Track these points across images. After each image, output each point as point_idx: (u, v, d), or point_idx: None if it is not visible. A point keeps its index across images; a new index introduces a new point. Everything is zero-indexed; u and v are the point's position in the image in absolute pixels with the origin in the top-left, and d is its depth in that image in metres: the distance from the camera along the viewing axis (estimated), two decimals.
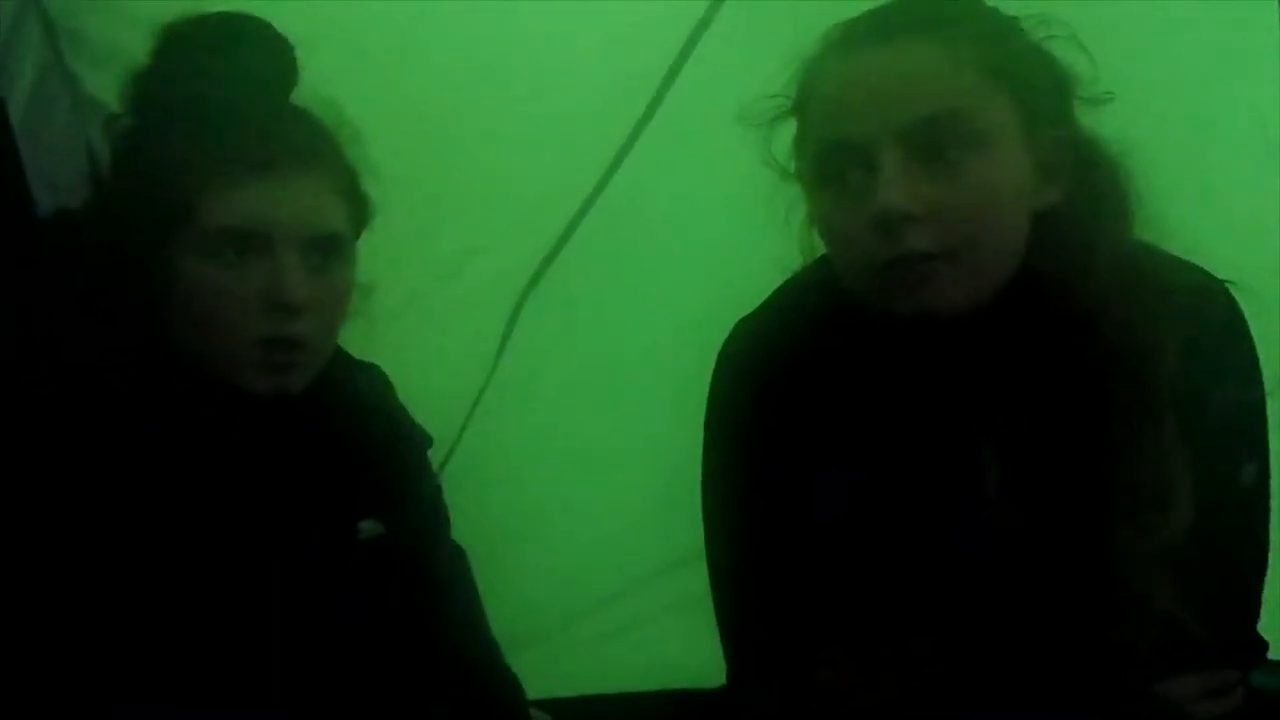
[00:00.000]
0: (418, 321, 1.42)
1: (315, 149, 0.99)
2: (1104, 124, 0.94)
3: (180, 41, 0.98)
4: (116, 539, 0.90)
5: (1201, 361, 0.91)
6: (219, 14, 0.99)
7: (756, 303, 1.06)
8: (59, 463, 0.89)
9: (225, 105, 0.96)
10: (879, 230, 0.87)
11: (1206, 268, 0.97)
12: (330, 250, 0.99)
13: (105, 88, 1.06)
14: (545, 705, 1.22)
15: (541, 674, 1.26)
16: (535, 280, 1.62)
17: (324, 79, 1.03)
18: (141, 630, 0.91)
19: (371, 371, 1.17)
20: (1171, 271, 0.94)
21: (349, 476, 1.05)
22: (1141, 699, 0.90)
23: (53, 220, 1.05)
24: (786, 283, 1.06)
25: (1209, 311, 0.94)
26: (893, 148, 0.86)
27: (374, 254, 1.06)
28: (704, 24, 1.43)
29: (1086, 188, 0.92)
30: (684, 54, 1.45)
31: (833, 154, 0.90)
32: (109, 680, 0.90)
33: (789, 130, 0.97)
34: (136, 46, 0.99)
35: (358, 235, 1.05)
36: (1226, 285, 0.96)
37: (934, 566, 0.92)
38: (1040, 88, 0.91)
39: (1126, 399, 0.88)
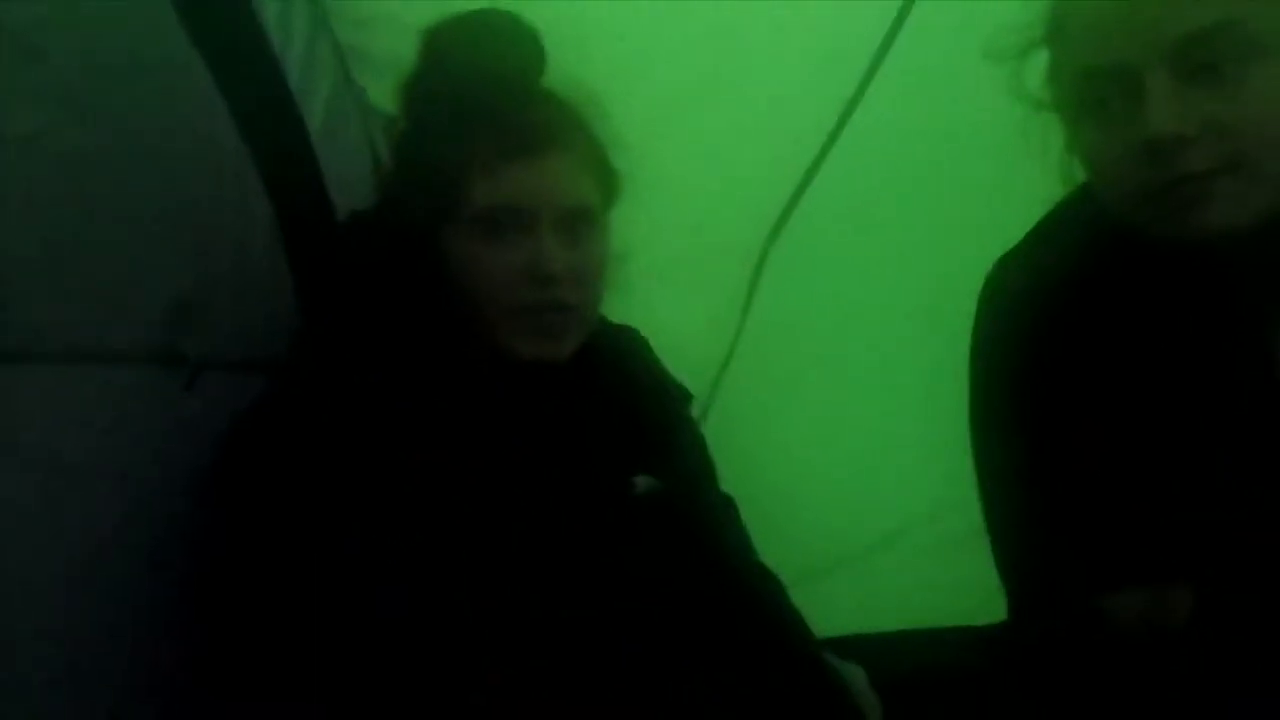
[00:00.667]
0: (667, 284, 1.46)
1: (567, 129, 1.04)
2: None
3: (439, 44, 1.05)
4: (423, 506, 0.96)
5: None
6: (471, 13, 1.05)
7: (1012, 239, 1.03)
8: (376, 436, 0.96)
9: (484, 96, 1.02)
10: (1151, 155, 0.83)
11: None
12: (584, 222, 1.04)
13: (386, 97, 1.15)
14: (827, 645, 1.23)
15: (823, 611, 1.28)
16: (778, 229, 1.62)
17: (570, 58, 1.07)
18: (442, 592, 0.94)
19: (630, 333, 1.23)
20: None
21: (621, 434, 1.09)
22: None
23: (348, 221, 1.15)
24: (1048, 215, 1.02)
25: None
26: (1159, 68, 0.82)
27: (626, 223, 1.10)
28: None
29: None
30: None
31: (1095, 80, 0.87)
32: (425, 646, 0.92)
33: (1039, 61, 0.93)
34: (412, 57, 1.07)
35: (609, 206, 1.09)
36: None
37: (1213, 497, 0.88)
38: None
39: None
